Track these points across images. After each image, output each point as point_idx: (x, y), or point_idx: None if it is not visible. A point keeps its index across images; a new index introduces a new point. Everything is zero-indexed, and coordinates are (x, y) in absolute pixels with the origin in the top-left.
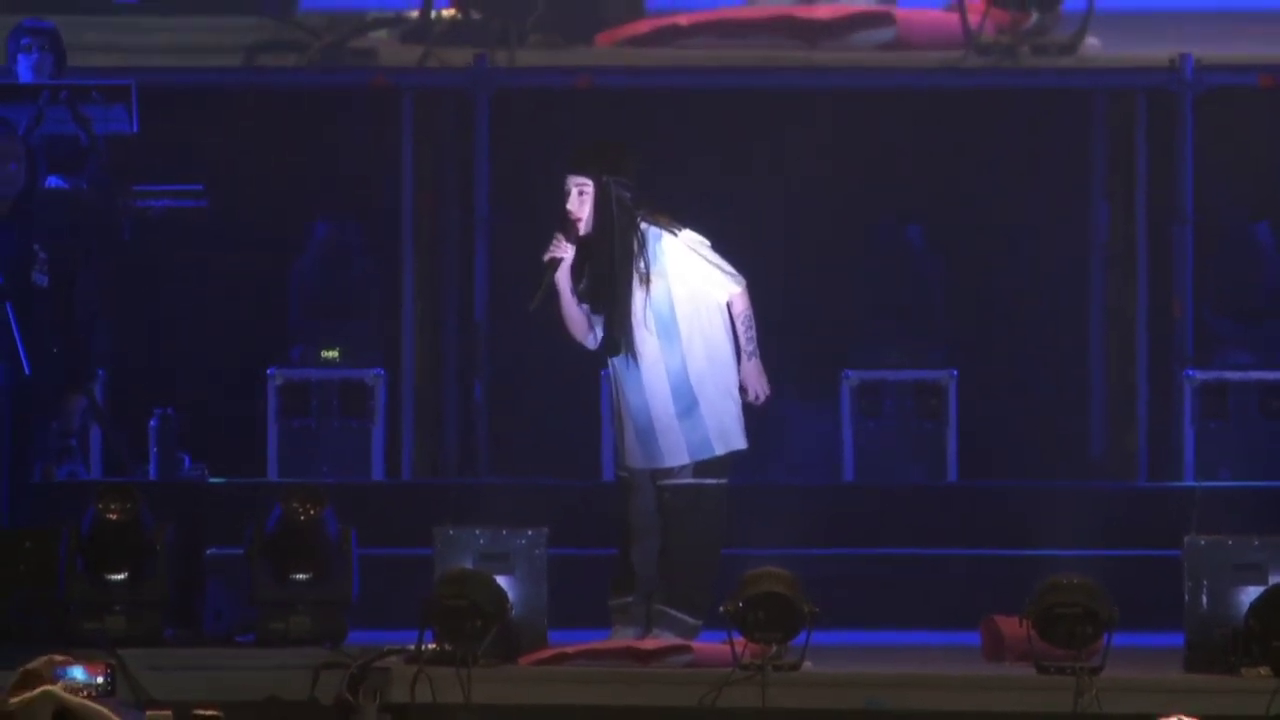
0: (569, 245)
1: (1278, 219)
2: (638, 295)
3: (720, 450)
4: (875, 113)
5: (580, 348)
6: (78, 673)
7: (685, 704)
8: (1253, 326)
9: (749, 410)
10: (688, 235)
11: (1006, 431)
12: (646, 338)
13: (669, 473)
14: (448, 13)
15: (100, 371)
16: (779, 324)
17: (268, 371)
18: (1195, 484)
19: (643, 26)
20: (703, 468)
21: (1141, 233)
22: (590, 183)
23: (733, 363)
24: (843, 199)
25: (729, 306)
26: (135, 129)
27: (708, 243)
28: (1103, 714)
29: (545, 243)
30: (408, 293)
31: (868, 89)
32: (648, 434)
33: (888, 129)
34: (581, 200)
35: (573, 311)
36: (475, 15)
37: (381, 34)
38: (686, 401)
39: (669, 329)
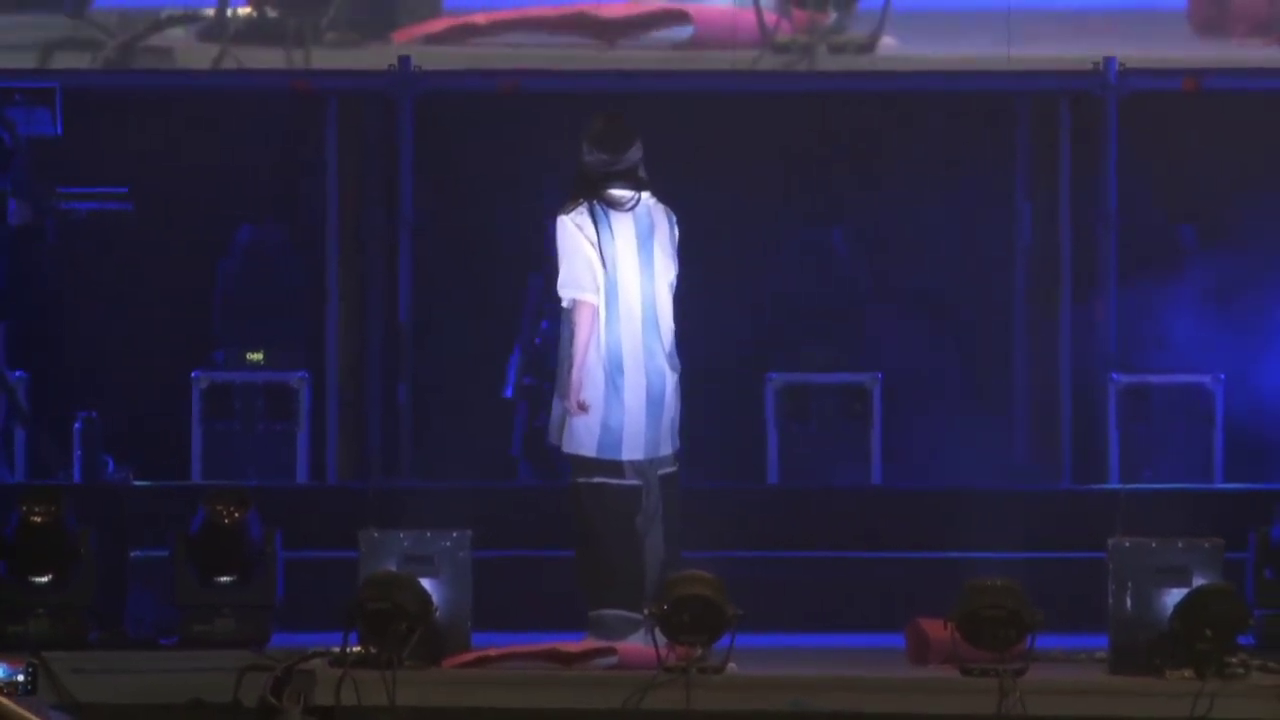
0: None
1: (1201, 221)
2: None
3: (552, 441)
4: (799, 116)
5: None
6: None
7: (610, 706)
8: (1176, 329)
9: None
10: (568, 217)
11: (930, 434)
12: None
13: None
14: (244, 10)
15: (22, 373)
16: (703, 327)
17: (192, 374)
18: (1119, 486)
19: (440, 25)
20: (570, 467)
21: (1065, 235)
22: None
23: (566, 367)
24: (766, 202)
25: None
26: (59, 131)
27: (574, 243)
28: (1027, 716)
29: (471, 245)
30: (332, 295)
31: (790, 92)
32: None
33: (811, 132)
34: None
35: None
36: (272, 13)
37: (178, 32)
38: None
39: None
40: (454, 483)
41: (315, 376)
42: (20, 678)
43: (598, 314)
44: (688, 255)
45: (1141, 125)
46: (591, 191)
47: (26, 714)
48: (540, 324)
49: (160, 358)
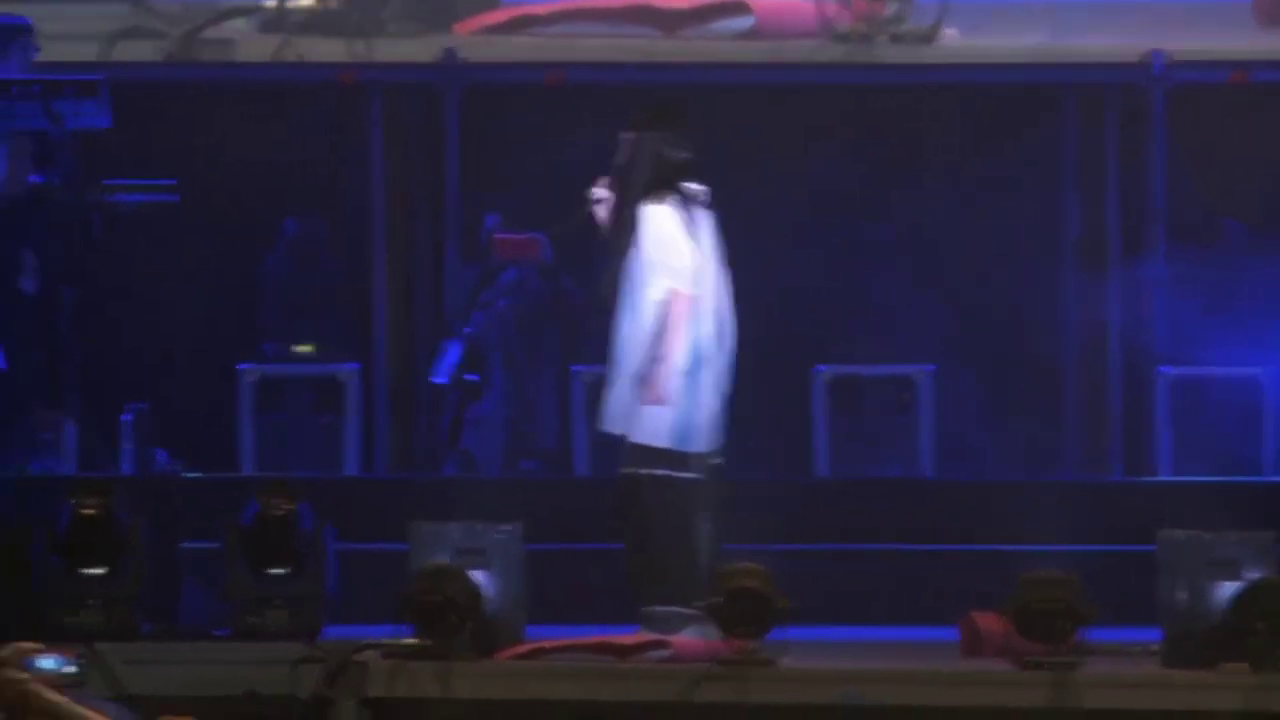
0: (607, 192)
1: (1248, 214)
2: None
3: (614, 429)
4: (847, 109)
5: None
6: (48, 662)
7: (663, 699)
8: (1224, 321)
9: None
10: (661, 207)
11: (980, 426)
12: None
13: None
14: (306, 2)
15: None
16: (752, 319)
17: (241, 367)
18: (1169, 479)
19: (500, 16)
20: (630, 456)
21: (1113, 228)
22: (631, 136)
23: (642, 354)
24: (816, 194)
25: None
26: (108, 124)
27: (671, 234)
28: (1081, 709)
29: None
30: (379, 288)
31: (839, 85)
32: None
33: (859, 125)
34: (622, 155)
35: None
36: (334, 5)
37: (239, 24)
38: (617, 367)
39: (634, 287)
40: (504, 474)
41: (364, 369)
42: (73, 668)
43: (690, 306)
44: (735, 247)
45: (1188, 117)
46: (669, 184)
47: (83, 711)
48: (474, 315)
49: (209, 350)
